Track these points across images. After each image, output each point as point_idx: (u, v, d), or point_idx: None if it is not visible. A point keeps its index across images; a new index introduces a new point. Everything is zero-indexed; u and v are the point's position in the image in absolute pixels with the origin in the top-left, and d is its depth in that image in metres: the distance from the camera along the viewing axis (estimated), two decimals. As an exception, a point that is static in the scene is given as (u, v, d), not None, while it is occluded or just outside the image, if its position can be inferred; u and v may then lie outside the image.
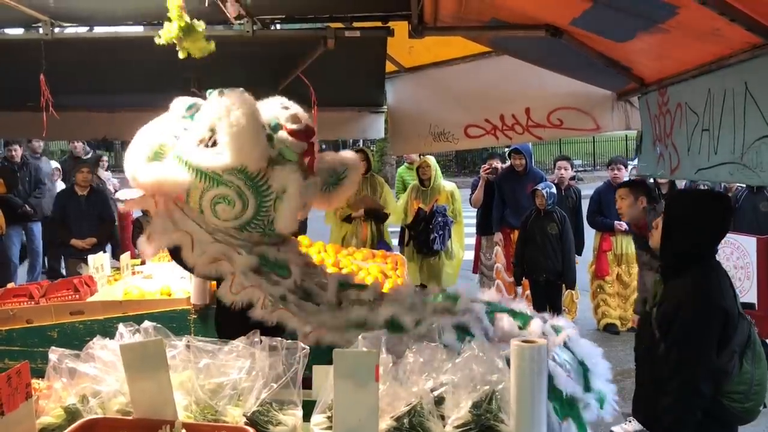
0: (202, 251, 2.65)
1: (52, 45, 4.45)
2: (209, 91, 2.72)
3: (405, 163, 9.11)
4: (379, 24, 4.57)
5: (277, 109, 2.78)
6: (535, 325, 2.61)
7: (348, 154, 3.11)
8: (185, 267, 2.78)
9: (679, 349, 2.87)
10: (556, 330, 2.63)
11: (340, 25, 4.66)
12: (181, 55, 3.53)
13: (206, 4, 3.60)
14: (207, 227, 2.69)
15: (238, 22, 4.34)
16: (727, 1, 2.34)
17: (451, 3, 3.80)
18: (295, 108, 2.77)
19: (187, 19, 3.39)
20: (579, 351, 2.50)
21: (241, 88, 2.69)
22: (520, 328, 2.61)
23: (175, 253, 2.75)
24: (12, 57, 4.81)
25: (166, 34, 3.35)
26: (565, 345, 2.51)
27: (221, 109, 2.56)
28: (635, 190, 5.05)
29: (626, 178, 7.62)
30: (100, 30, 4.74)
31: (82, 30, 4.70)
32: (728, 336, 2.85)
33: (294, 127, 2.69)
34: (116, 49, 4.83)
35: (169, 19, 3.23)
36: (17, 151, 9.09)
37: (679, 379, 2.84)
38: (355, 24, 4.65)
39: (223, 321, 2.86)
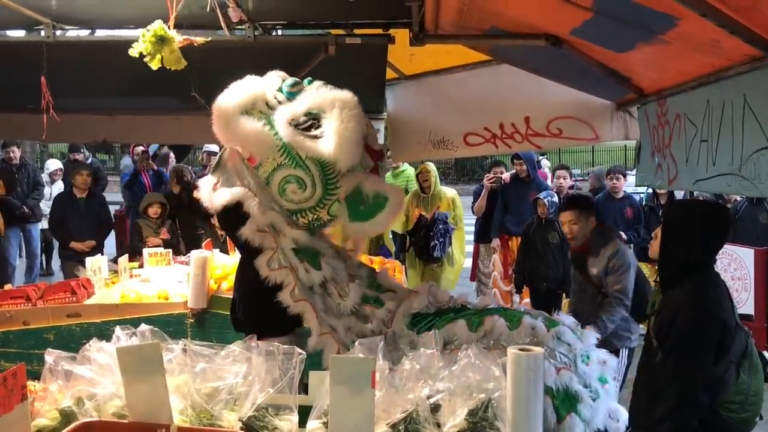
0: (259, 212, 2.67)
1: (54, 47, 4.46)
2: (309, 79, 2.78)
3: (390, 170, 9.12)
4: (380, 31, 4.58)
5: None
6: (525, 321, 2.64)
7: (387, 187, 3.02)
8: (233, 229, 2.75)
9: (676, 358, 2.87)
10: (550, 324, 2.64)
11: (341, 31, 4.67)
12: (153, 66, 3.57)
13: (207, 9, 3.61)
14: (264, 197, 2.71)
15: (240, 27, 4.36)
16: (727, 13, 2.35)
17: (452, 11, 3.82)
18: (375, 132, 2.93)
19: (165, 30, 3.42)
20: (574, 345, 2.51)
21: (346, 92, 2.78)
22: (510, 328, 2.62)
23: (226, 214, 2.73)
24: (13, 59, 4.81)
25: (138, 46, 3.39)
26: (560, 339, 2.53)
27: (330, 100, 2.63)
28: (584, 210, 4.67)
29: (625, 189, 7.63)
30: (101, 33, 4.76)
31: (84, 33, 4.72)
32: (726, 346, 2.86)
33: (374, 147, 2.81)
34: (117, 52, 4.84)
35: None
36: (15, 153, 9.10)
37: (676, 388, 2.84)
38: (356, 31, 4.67)
39: (245, 300, 2.84)
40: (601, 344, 4.34)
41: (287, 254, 2.69)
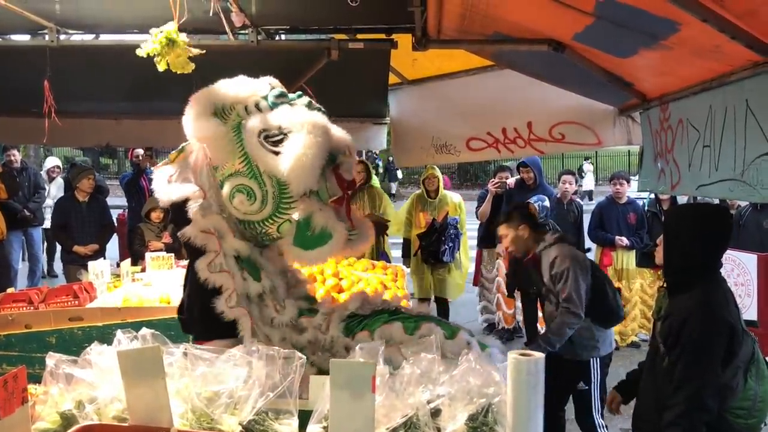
0: (204, 213, 2.64)
1: (58, 51, 4.49)
2: (299, 93, 2.73)
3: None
4: (382, 36, 4.60)
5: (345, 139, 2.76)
6: (462, 335, 2.61)
7: (359, 215, 3.03)
8: (178, 226, 2.70)
9: (685, 363, 2.86)
10: (482, 346, 2.60)
11: (344, 36, 4.69)
12: (160, 68, 3.58)
13: (211, 14, 3.62)
14: (217, 199, 2.69)
15: (243, 32, 4.37)
16: (728, 18, 2.36)
17: (454, 16, 3.83)
18: (351, 161, 2.75)
19: (174, 34, 3.44)
20: None
21: (321, 112, 2.68)
22: (446, 337, 2.58)
23: (175, 210, 2.70)
24: (18, 63, 4.84)
25: (147, 46, 3.40)
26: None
27: (300, 121, 2.55)
28: (512, 221, 4.43)
29: (628, 194, 7.62)
30: (105, 38, 4.78)
31: (88, 37, 4.74)
32: (733, 352, 2.85)
33: (346, 176, 2.70)
34: (121, 56, 4.86)
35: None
36: (17, 156, 9.12)
37: (684, 393, 2.83)
38: (359, 36, 4.69)
39: (189, 300, 2.82)
40: (569, 358, 4.26)
41: (228, 260, 2.65)
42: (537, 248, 4.36)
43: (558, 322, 4.14)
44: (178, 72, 3.64)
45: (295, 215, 2.65)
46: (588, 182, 24.87)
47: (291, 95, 2.71)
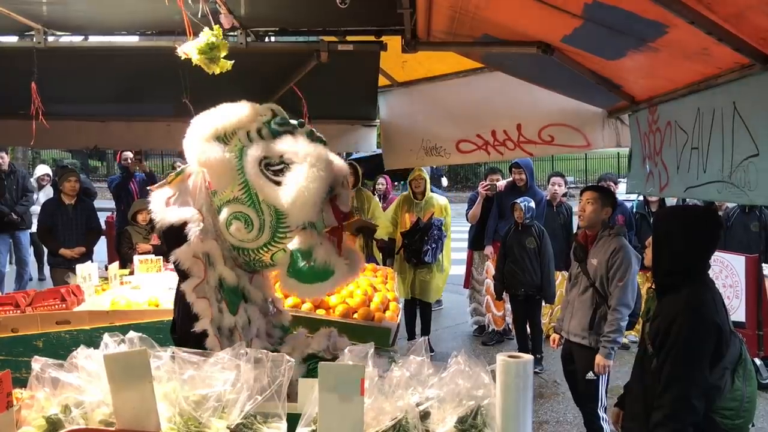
0: (203, 237, 2.63)
1: (45, 53, 4.45)
2: (300, 121, 2.71)
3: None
4: (372, 38, 4.60)
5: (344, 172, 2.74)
6: None
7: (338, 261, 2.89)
8: (170, 246, 2.68)
9: (672, 363, 2.87)
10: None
11: (333, 38, 4.68)
12: (212, 71, 3.57)
13: (199, 16, 3.61)
14: (214, 224, 2.68)
15: (232, 34, 4.36)
16: (716, 21, 2.37)
17: (443, 19, 3.83)
18: (348, 193, 2.75)
19: (215, 38, 3.44)
20: None
21: (322, 142, 2.67)
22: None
23: (169, 230, 2.70)
24: (5, 64, 4.80)
25: (189, 50, 3.39)
26: None
27: (303, 153, 2.53)
28: (604, 197, 4.69)
29: (617, 196, 7.64)
30: (93, 39, 4.75)
31: (76, 39, 4.71)
32: (721, 353, 2.86)
33: (343, 208, 2.69)
34: (109, 58, 4.84)
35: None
36: (4, 159, 9.05)
37: (671, 393, 2.84)
38: (349, 38, 4.68)
39: (177, 319, 2.82)
40: (588, 345, 4.53)
41: (209, 288, 2.64)
42: (600, 230, 4.63)
43: (613, 318, 4.42)
44: (222, 71, 3.64)
45: (290, 245, 2.64)
46: None
47: (293, 122, 2.70)
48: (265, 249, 2.66)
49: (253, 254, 2.69)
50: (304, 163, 2.51)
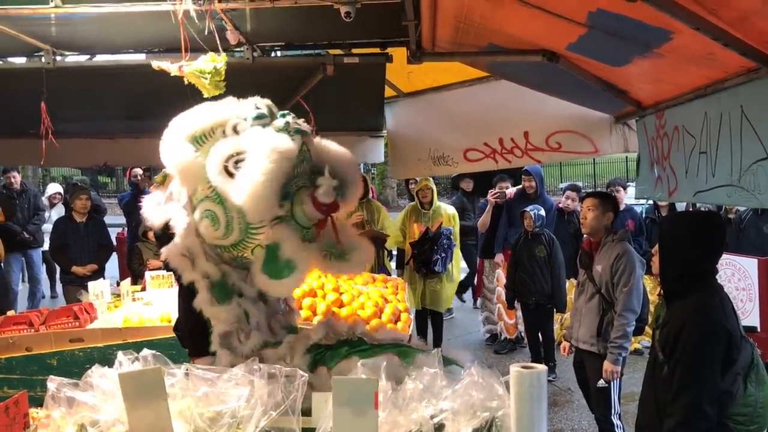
0: (186, 234, 2.61)
1: (54, 73, 4.50)
2: (282, 113, 2.63)
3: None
4: (377, 50, 4.62)
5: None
6: (419, 358, 2.45)
7: (354, 235, 2.88)
8: (162, 243, 2.69)
9: (683, 370, 2.85)
10: (446, 362, 2.46)
11: (339, 51, 4.71)
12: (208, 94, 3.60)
13: (205, 33, 3.64)
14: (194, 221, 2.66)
15: (238, 50, 4.39)
16: (720, 26, 2.37)
17: (448, 29, 3.84)
18: (330, 183, 2.59)
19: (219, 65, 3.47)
20: None
21: (299, 133, 2.56)
22: (406, 364, 2.46)
23: (162, 231, 2.70)
24: (15, 85, 4.86)
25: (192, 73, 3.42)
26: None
27: (262, 145, 2.43)
28: (604, 203, 4.71)
29: (626, 201, 7.63)
30: (100, 58, 4.79)
31: (83, 58, 4.76)
32: (732, 358, 2.84)
33: (323, 200, 2.56)
34: (117, 76, 4.88)
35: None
36: (16, 178, 9.13)
37: (683, 400, 2.83)
38: (354, 50, 4.70)
39: (180, 318, 2.84)
40: (597, 352, 4.52)
41: (199, 286, 2.63)
42: (603, 236, 4.64)
43: (619, 324, 4.41)
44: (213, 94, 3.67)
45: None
46: None
47: (276, 113, 2.63)
48: (242, 246, 2.61)
49: (233, 251, 2.64)
50: (257, 156, 2.40)
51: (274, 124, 2.56)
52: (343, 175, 2.67)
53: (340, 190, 2.64)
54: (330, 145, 2.72)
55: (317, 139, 2.76)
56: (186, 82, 3.64)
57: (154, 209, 2.71)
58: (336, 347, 2.72)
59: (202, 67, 3.59)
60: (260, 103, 2.66)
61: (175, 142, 2.60)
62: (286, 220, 2.56)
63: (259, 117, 2.57)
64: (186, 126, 2.62)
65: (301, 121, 2.64)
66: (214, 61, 3.65)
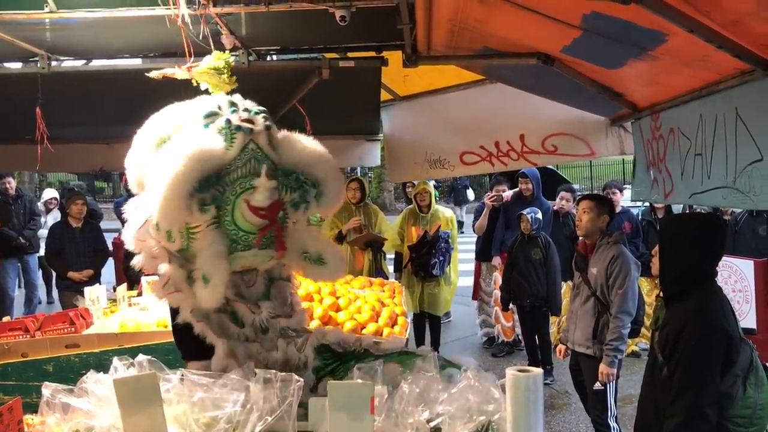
0: (153, 240, 2.53)
1: (49, 78, 4.49)
2: (257, 110, 2.50)
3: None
4: (373, 54, 4.63)
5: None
6: (417, 363, 2.41)
7: (325, 242, 2.77)
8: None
9: (683, 372, 2.85)
10: (443, 367, 2.43)
11: (334, 55, 4.71)
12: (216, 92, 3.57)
13: (200, 37, 3.64)
14: None
15: (233, 54, 4.38)
16: (714, 28, 2.37)
17: (443, 32, 3.84)
18: (266, 185, 2.44)
19: (220, 61, 3.45)
20: None
21: (245, 130, 2.43)
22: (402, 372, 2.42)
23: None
24: (10, 90, 4.85)
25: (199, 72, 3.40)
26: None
27: (178, 148, 2.30)
28: (600, 206, 4.72)
29: (622, 203, 7.63)
30: (97, 63, 4.79)
31: (79, 63, 4.75)
32: (731, 360, 2.85)
33: (257, 204, 2.41)
34: (113, 81, 4.87)
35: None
36: (11, 184, 9.11)
37: (683, 402, 2.82)
38: (350, 54, 4.71)
39: (172, 322, 2.81)
40: (593, 355, 4.52)
41: (177, 280, 2.51)
42: (598, 239, 4.65)
43: (614, 326, 4.40)
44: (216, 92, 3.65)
45: None
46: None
47: (241, 108, 2.49)
48: (190, 251, 2.47)
49: (187, 255, 2.52)
50: (169, 159, 2.28)
51: (216, 122, 2.44)
52: (317, 175, 2.55)
53: (317, 192, 2.54)
54: (304, 144, 2.57)
55: (290, 137, 2.61)
56: (194, 83, 3.63)
57: (133, 212, 2.69)
58: (344, 360, 2.70)
59: (215, 64, 3.58)
60: (222, 101, 2.54)
61: (139, 148, 2.57)
62: (215, 226, 2.41)
63: (209, 115, 2.45)
64: (150, 131, 2.57)
65: (260, 117, 2.49)
66: (223, 57, 3.64)
